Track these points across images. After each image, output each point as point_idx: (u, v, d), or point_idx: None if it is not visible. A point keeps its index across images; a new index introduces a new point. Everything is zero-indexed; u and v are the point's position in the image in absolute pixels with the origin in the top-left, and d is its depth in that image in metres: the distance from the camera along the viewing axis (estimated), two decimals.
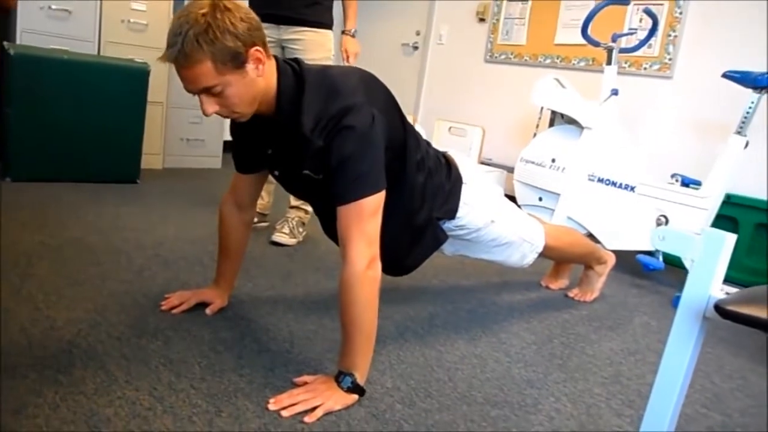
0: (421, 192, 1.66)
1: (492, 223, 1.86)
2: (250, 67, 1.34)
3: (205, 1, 1.29)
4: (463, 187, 1.77)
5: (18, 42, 3.27)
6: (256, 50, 1.34)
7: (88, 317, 1.64)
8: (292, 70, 1.44)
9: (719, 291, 0.95)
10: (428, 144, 1.76)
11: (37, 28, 3.33)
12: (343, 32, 2.72)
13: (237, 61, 1.31)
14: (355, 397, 1.39)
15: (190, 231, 2.63)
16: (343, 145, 1.35)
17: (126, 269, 2.06)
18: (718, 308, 0.89)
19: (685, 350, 0.99)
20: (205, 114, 1.36)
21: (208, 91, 1.32)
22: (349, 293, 1.35)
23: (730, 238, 0.92)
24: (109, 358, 1.44)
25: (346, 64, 2.71)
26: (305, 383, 1.42)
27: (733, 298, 0.90)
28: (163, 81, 3.76)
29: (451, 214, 1.76)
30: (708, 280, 0.94)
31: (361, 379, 1.40)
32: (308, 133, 1.37)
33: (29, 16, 3.31)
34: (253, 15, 1.36)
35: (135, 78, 3.34)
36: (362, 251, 1.35)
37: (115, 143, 3.34)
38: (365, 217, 1.36)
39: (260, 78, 1.37)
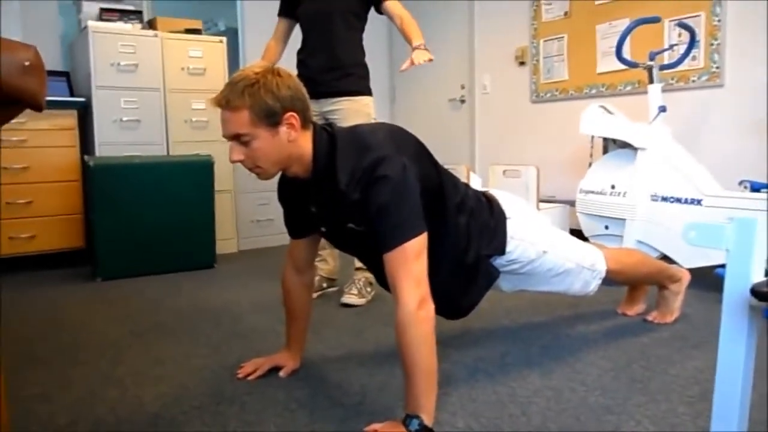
0: (465, 232, 1.70)
1: (545, 253, 1.86)
2: (282, 129, 1.46)
3: (264, 63, 1.45)
4: (508, 222, 1.79)
5: (97, 154, 3.60)
6: (292, 116, 1.46)
7: (171, 392, 1.74)
8: (326, 133, 1.55)
9: (761, 278, 0.93)
10: (467, 186, 1.80)
11: (112, 140, 3.68)
12: (413, 49, 2.50)
13: (271, 120, 1.44)
14: None
15: (262, 303, 2.75)
16: (379, 194, 1.42)
17: (205, 346, 2.17)
18: (755, 292, 0.87)
19: (739, 344, 0.96)
20: (230, 160, 1.49)
21: (238, 138, 1.45)
22: (405, 334, 1.39)
23: (761, 223, 0.91)
24: (190, 426, 1.52)
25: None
26: (375, 431, 1.44)
27: None
28: (228, 170, 4.01)
29: (500, 249, 1.78)
30: (747, 269, 0.93)
31: (428, 420, 1.40)
32: (344, 188, 1.46)
33: (105, 130, 3.66)
34: (301, 87, 1.50)
35: (201, 170, 3.60)
36: (411, 292, 1.39)
37: (191, 233, 3.57)
38: (410, 260, 1.41)
39: (291, 143, 1.48)
